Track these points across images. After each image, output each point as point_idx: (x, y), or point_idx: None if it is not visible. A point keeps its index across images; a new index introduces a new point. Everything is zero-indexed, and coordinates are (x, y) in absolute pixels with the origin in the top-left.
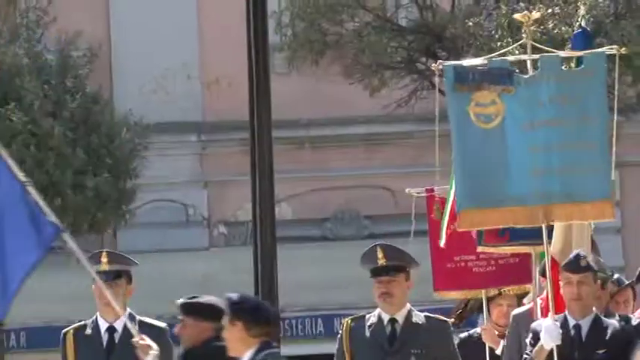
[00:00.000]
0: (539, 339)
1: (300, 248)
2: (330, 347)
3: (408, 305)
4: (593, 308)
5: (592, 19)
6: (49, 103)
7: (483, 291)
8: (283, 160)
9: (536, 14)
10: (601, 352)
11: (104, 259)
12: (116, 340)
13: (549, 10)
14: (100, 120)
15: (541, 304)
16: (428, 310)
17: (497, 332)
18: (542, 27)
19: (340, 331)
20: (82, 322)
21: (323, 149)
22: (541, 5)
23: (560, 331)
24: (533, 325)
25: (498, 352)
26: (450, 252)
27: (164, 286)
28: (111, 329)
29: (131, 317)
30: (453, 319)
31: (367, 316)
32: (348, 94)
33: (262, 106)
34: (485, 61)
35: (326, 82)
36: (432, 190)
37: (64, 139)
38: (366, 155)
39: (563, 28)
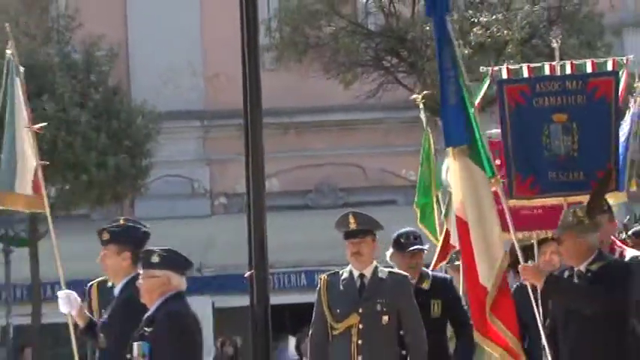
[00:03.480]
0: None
1: (286, 216)
2: (312, 297)
3: (375, 262)
4: None
5: (529, 24)
6: (77, 94)
7: (534, 235)
8: (272, 142)
9: None
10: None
11: (122, 224)
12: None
13: (493, 17)
14: (119, 109)
15: None
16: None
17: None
18: (487, 30)
19: (319, 285)
20: (104, 277)
21: (305, 133)
22: (486, 12)
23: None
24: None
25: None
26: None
27: (173, 247)
28: None
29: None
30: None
31: (340, 272)
32: (326, 87)
33: (254, 98)
34: None
35: (308, 77)
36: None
37: (89, 125)
38: (342, 138)
39: (505, 32)
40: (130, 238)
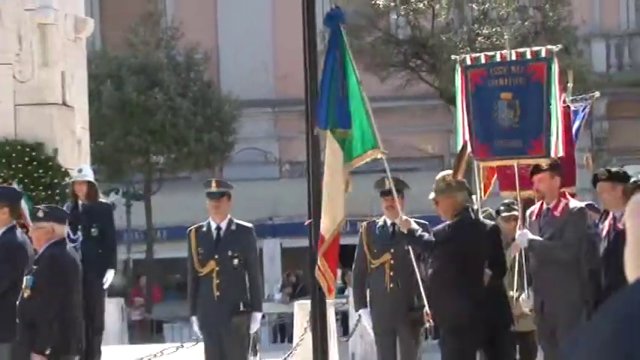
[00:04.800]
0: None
1: None
2: (355, 240)
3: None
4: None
5: (520, 35)
6: (180, 87)
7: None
8: None
9: None
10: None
11: (214, 184)
12: (221, 235)
13: (493, 29)
14: (211, 98)
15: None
16: (421, 217)
17: None
18: (488, 40)
19: (360, 230)
20: (200, 224)
21: None
22: (488, 26)
23: None
24: None
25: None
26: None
27: (251, 202)
28: (218, 228)
29: (231, 221)
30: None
31: (377, 221)
32: (366, 82)
33: (313, 90)
34: None
35: None
36: None
37: (189, 110)
38: (378, 120)
39: (502, 41)
40: (7, 197)
